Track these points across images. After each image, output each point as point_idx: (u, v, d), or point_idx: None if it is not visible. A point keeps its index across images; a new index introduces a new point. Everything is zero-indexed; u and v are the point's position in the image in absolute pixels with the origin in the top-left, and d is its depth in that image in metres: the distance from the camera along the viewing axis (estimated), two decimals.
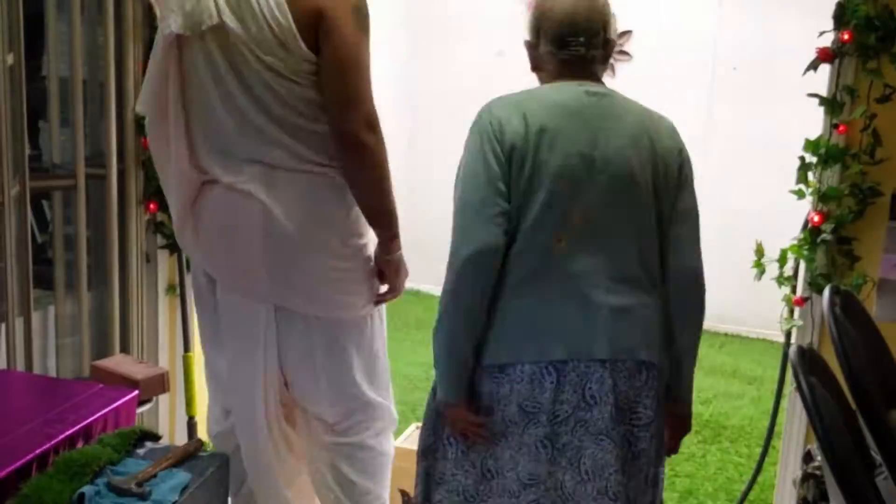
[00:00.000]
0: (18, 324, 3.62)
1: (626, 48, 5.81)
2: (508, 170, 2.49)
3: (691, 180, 2.63)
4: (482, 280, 2.50)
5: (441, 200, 6.47)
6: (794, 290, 3.51)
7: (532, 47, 2.64)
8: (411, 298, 6.50)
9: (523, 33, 2.67)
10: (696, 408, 4.98)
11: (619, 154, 2.51)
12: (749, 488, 3.87)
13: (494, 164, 2.48)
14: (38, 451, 2.81)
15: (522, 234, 2.50)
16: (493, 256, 2.49)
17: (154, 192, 3.93)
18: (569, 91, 2.55)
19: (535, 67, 2.67)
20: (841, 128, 3.32)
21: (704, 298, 2.63)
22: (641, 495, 2.65)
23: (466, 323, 2.54)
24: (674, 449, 2.78)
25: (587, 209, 2.51)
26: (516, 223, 2.51)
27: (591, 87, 2.56)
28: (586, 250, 2.53)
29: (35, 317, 3.69)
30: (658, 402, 2.61)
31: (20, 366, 3.63)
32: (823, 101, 3.35)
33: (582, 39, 2.54)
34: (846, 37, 3.24)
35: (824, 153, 3.34)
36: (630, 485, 2.62)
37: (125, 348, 3.98)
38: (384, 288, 3.03)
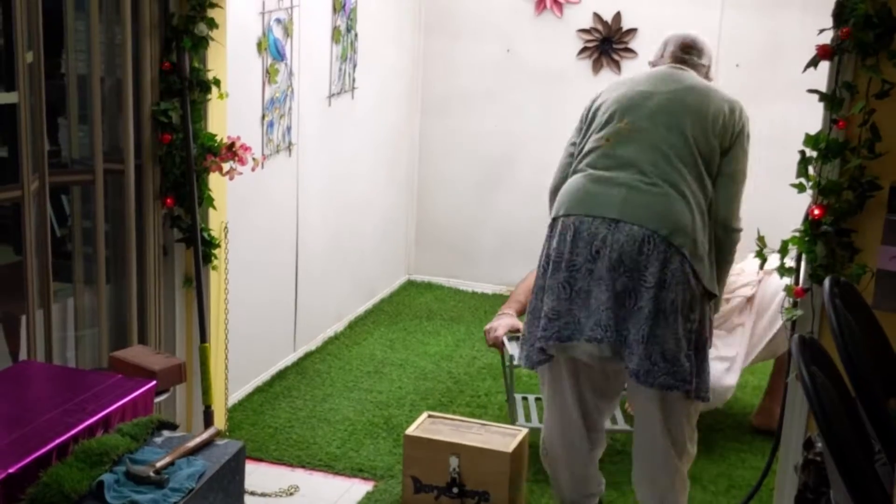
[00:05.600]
0: (38, 316, 3.66)
1: (631, 46, 5.99)
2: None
3: (739, 142, 3.50)
4: None
5: (449, 197, 6.55)
6: (796, 282, 3.55)
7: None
8: (423, 290, 6.56)
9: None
10: None
11: (671, 92, 3.51)
12: (763, 477, 3.92)
13: None
14: (57, 441, 2.88)
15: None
16: None
17: (170, 187, 3.98)
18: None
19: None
20: (840, 123, 3.34)
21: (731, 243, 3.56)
22: (636, 344, 3.34)
23: None
24: None
25: (634, 121, 3.48)
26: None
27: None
28: (625, 148, 3.45)
29: (55, 309, 3.74)
30: (665, 271, 3.31)
31: (40, 357, 3.68)
32: (823, 97, 3.38)
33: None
34: (845, 34, 3.27)
35: (824, 148, 3.37)
36: (630, 332, 3.34)
37: (143, 339, 4.02)
38: None
